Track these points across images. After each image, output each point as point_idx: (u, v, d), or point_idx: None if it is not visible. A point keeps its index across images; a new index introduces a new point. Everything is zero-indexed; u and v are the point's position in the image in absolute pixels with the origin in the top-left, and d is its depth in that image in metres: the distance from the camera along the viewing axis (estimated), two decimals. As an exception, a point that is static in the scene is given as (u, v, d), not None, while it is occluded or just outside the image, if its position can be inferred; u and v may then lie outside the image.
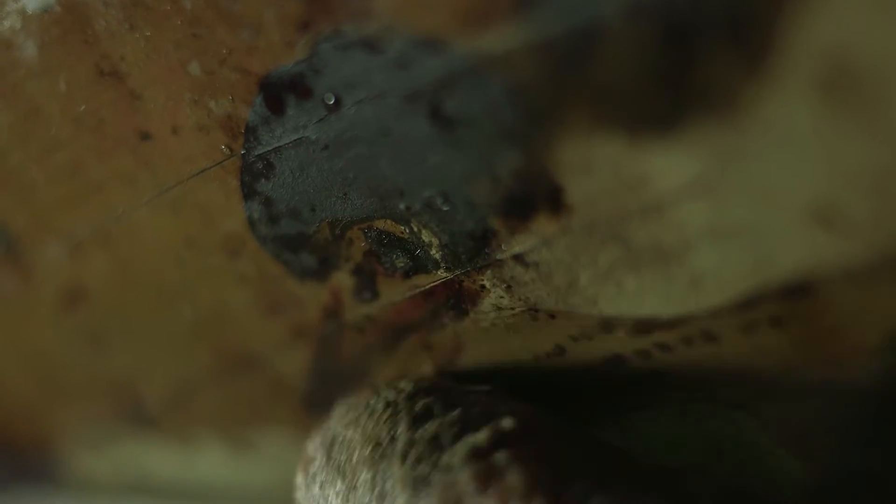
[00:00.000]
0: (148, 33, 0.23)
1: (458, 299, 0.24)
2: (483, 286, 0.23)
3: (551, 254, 0.22)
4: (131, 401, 0.30)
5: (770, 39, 0.18)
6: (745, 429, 0.23)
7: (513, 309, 0.23)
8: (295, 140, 0.23)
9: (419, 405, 0.23)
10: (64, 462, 0.34)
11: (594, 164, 0.20)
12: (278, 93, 0.22)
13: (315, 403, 0.28)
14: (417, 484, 0.21)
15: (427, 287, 0.24)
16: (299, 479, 0.24)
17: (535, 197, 0.21)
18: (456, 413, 0.22)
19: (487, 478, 0.20)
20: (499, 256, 0.22)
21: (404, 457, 0.22)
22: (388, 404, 0.23)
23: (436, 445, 0.22)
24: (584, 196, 0.21)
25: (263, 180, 0.24)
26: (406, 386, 0.24)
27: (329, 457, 0.23)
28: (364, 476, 0.22)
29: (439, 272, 0.23)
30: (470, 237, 0.22)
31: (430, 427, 0.22)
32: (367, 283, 0.24)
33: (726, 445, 0.24)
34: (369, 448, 0.22)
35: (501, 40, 0.20)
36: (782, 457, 0.23)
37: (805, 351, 0.21)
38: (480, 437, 0.21)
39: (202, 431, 0.30)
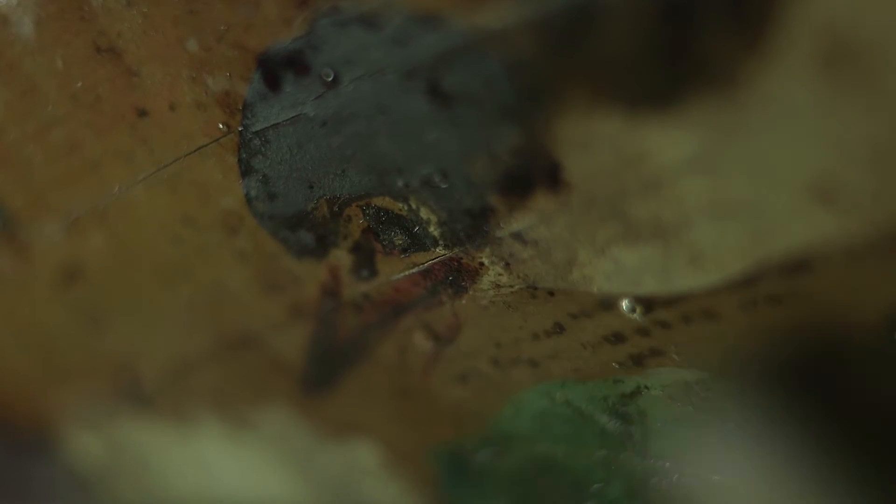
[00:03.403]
0: (145, 10, 0.23)
1: (457, 277, 0.24)
2: (482, 263, 0.23)
3: (550, 231, 0.22)
4: (129, 379, 0.30)
5: (769, 14, 0.18)
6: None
7: (512, 286, 0.23)
8: (293, 117, 0.23)
9: None
10: (62, 440, 0.34)
11: (593, 141, 0.20)
12: (276, 69, 0.22)
13: (313, 382, 0.28)
14: None
15: (425, 265, 0.24)
16: None
17: (534, 174, 0.21)
18: None
19: None
20: (497, 234, 0.22)
21: None
22: None
23: None
24: (582, 173, 0.21)
25: (261, 157, 0.24)
26: None
27: None
28: None
29: (438, 250, 0.23)
30: (468, 214, 0.22)
31: None
32: (365, 260, 0.24)
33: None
34: None
35: (500, 16, 0.20)
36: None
37: (804, 329, 0.21)
38: None
39: (200, 410, 0.30)
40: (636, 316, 0.22)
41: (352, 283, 0.25)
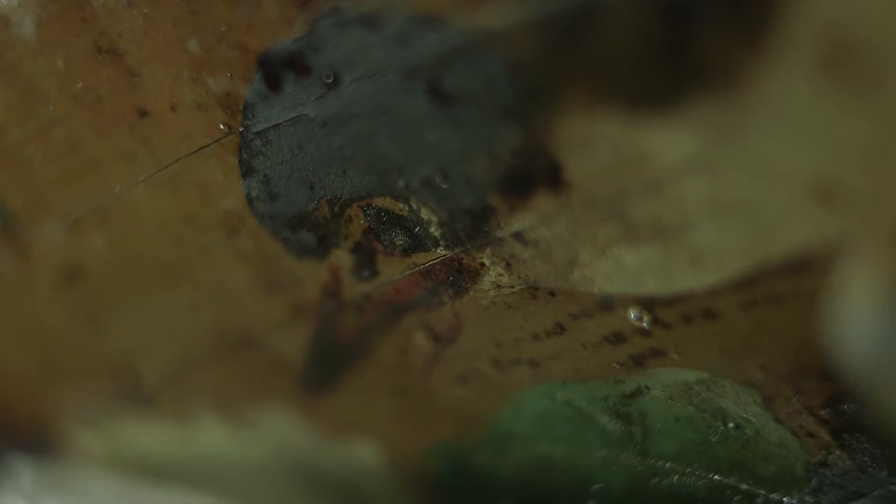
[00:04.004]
0: (146, 10, 0.23)
1: (458, 277, 0.24)
2: (482, 264, 0.23)
3: (550, 231, 0.22)
4: (130, 379, 0.30)
5: (770, 14, 0.18)
6: (749, 408, 0.23)
7: (512, 287, 0.23)
8: (293, 117, 0.23)
9: None
10: (62, 440, 0.34)
11: (594, 141, 0.20)
12: (277, 70, 0.22)
13: (313, 382, 0.28)
14: None
15: (426, 265, 0.24)
16: None
17: (535, 174, 0.21)
18: None
19: None
20: (498, 234, 0.22)
21: None
22: None
23: None
24: (583, 173, 0.21)
25: (262, 158, 0.24)
26: None
27: None
28: None
29: (438, 250, 0.23)
30: (469, 215, 0.22)
31: None
32: (366, 261, 0.24)
33: (729, 425, 0.24)
34: None
35: (500, 16, 0.20)
36: (785, 436, 0.23)
37: (805, 328, 0.21)
38: None
39: (201, 409, 0.30)
40: (644, 324, 0.22)
41: (353, 283, 0.25)
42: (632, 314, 0.22)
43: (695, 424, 0.24)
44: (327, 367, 0.27)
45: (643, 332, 0.23)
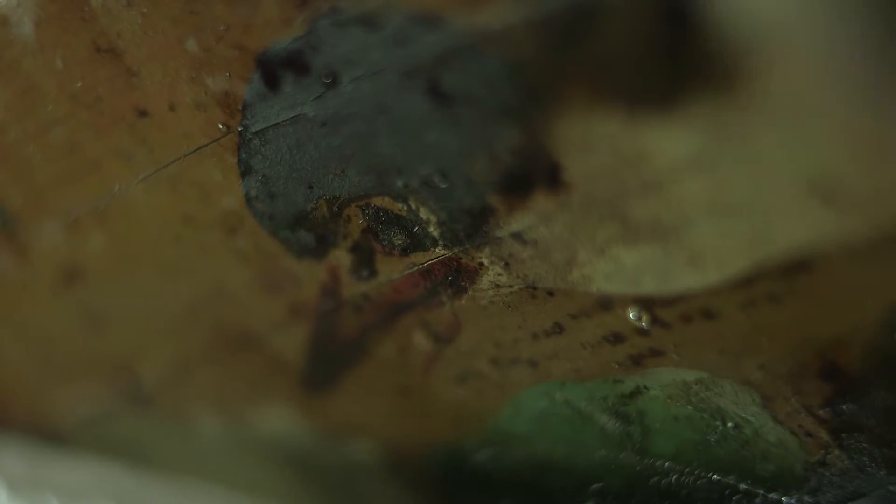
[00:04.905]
0: (145, 10, 0.23)
1: (457, 277, 0.24)
2: (481, 263, 0.23)
3: (549, 231, 0.22)
4: (129, 379, 0.30)
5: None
6: (748, 408, 0.23)
7: (511, 286, 0.23)
8: (292, 117, 0.23)
9: None
10: (61, 441, 0.34)
11: (593, 141, 0.20)
12: (275, 70, 0.22)
13: (313, 382, 0.28)
14: None
15: (425, 265, 0.24)
16: None
17: (534, 174, 0.21)
18: None
19: None
20: (497, 234, 0.22)
21: None
22: None
23: None
24: (582, 173, 0.21)
25: (260, 157, 0.24)
26: None
27: None
28: None
29: (437, 250, 0.23)
30: (468, 214, 0.22)
31: None
32: (364, 260, 0.24)
33: (728, 424, 0.24)
34: None
35: (499, 16, 0.20)
36: (784, 436, 0.23)
37: (804, 328, 0.21)
38: None
39: (200, 409, 0.30)
40: (643, 324, 0.22)
41: (351, 283, 0.25)
42: (631, 314, 0.22)
43: (693, 424, 0.24)
44: (326, 366, 0.27)
45: (642, 332, 0.23)
